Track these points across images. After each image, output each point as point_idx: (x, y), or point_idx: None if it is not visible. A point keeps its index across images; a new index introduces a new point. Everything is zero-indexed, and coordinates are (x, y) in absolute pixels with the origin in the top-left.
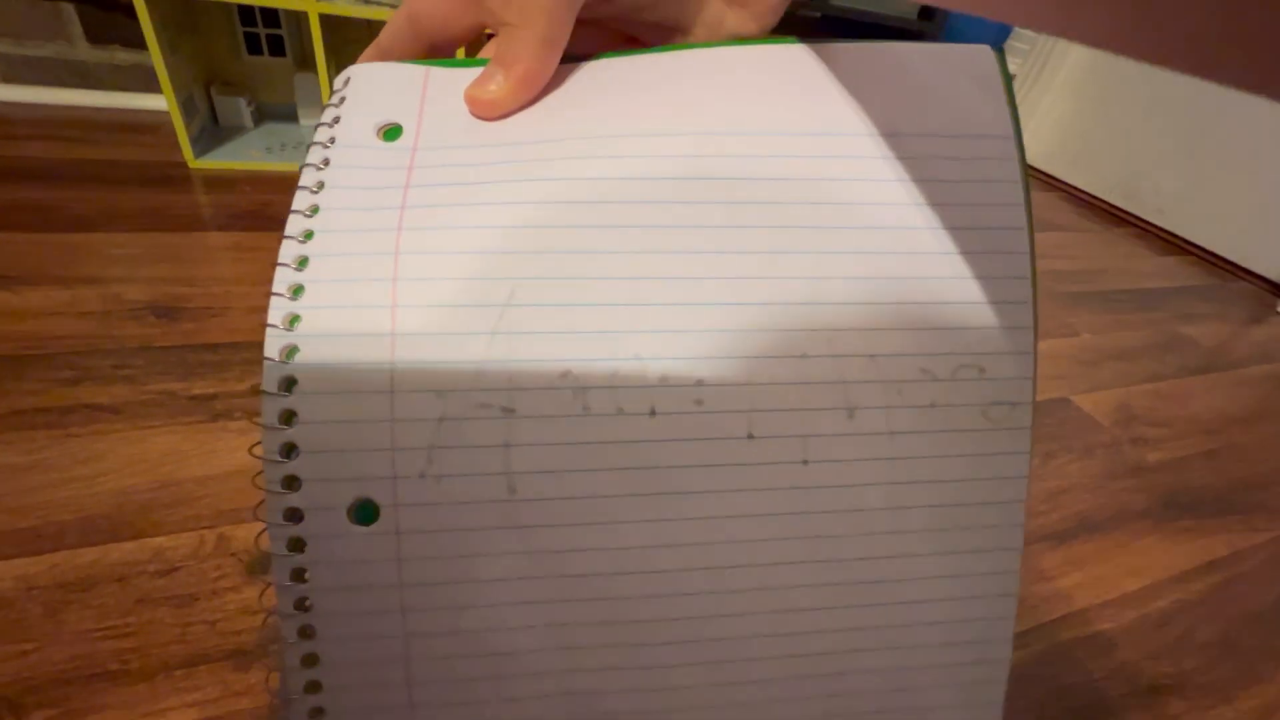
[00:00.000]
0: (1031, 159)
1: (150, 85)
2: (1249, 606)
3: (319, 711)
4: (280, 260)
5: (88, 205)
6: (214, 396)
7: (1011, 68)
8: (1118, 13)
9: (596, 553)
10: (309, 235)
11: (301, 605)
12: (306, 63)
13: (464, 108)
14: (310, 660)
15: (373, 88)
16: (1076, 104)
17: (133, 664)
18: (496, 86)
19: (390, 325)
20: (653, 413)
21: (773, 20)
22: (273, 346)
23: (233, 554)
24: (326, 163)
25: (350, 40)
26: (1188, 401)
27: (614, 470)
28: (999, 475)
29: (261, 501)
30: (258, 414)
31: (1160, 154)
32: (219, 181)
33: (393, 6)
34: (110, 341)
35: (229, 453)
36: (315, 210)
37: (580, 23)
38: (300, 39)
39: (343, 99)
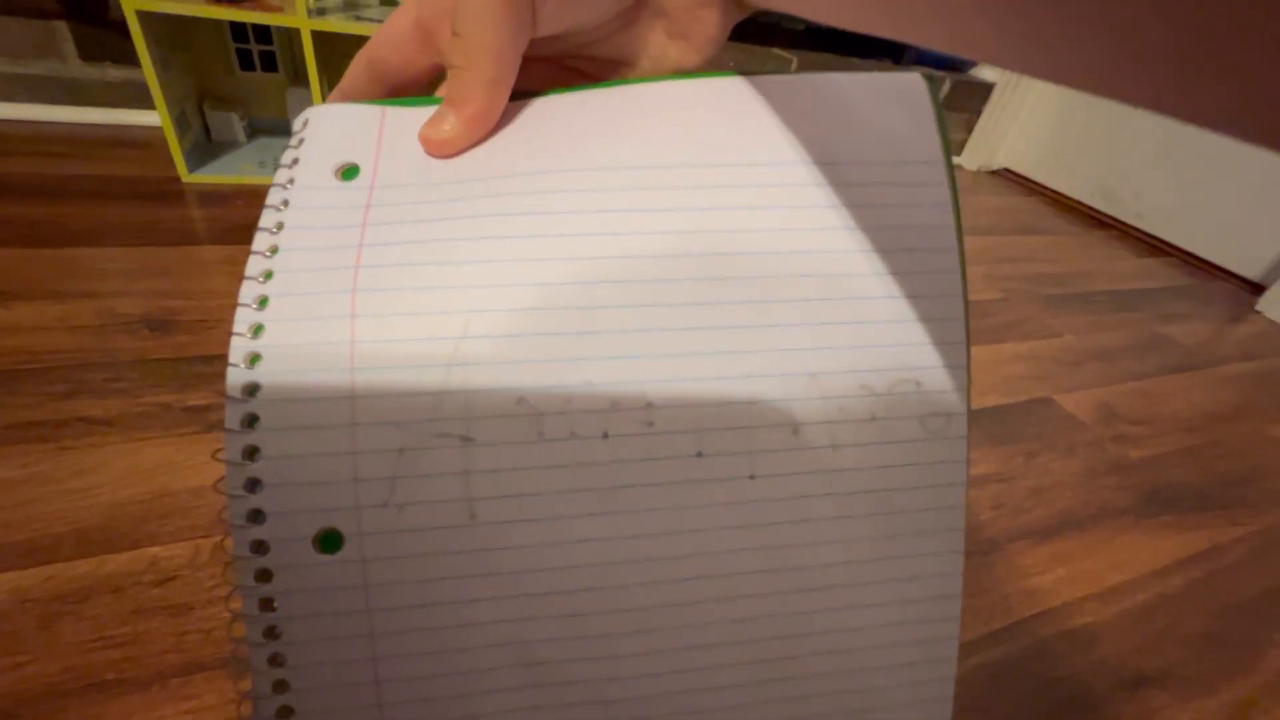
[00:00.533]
0: (1014, 164)
1: (142, 101)
2: (1230, 599)
3: None
4: (240, 300)
5: (80, 220)
6: (208, 408)
7: (992, 76)
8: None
9: (557, 572)
10: (269, 275)
11: (271, 633)
12: (299, 77)
13: (419, 146)
14: (281, 686)
15: (331, 128)
16: (1057, 110)
17: (128, 674)
18: (449, 127)
19: (349, 361)
20: (605, 435)
21: (714, 50)
22: (234, 385)
23: (228, 563)
24: (286, 204)
25: (343, 54)
26: (1168, 400)
27: (570, 492)
28: (938, 482)
29: (227, 534)
30: None
31: (1139, 158)
32: (212, 196)
33: (383, 21)
34: (104, 355)
35: (223, 463)
36: (275, 251)
37: (529, 60)
38: (292, 54)
39: (301, 140)
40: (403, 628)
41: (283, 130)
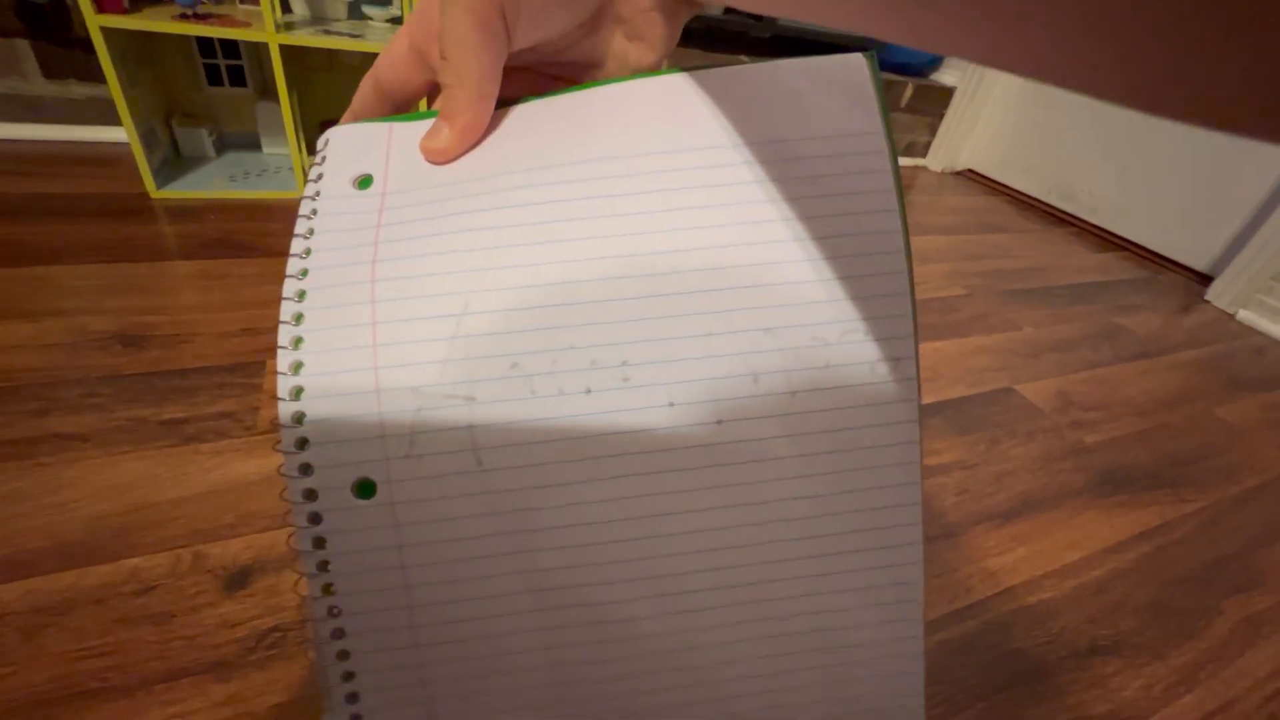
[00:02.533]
0: (975, 165)
1: (108, 118)
2: (1179, 571)
3: (344, 654)
4: (284, 295)
5: (49, 239)
6: (185, 421)
7: (951, 81)
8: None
9: (552, 509)
10: (305, 273)
11: (323, 567)
12: (268, 91)
13: (421, 155)
14: (334, 612)
15: (347, 145)
16: (1014, 113)
17: (113, 681)
18: (445, 137)
19: (372, 338)
20: (588, 391)
21: (668, 48)
22: (283, 364)
23: (209, 571)
24: (314, 212)
25: (311, 68)
26: (1122, 386)
27: (559, 440)
28: (891, 420)
29: (285, 488)
30: (227, 435)
31: (1093, 157)
32: (183, 211)
33: (351, 35)
34: (77, 371)
35: (202, 474)
36: (308, 252)
37: (509, 70)
38: (261, 69)
39: (324, 158)
40: (427, 559)
41: (252, 144)
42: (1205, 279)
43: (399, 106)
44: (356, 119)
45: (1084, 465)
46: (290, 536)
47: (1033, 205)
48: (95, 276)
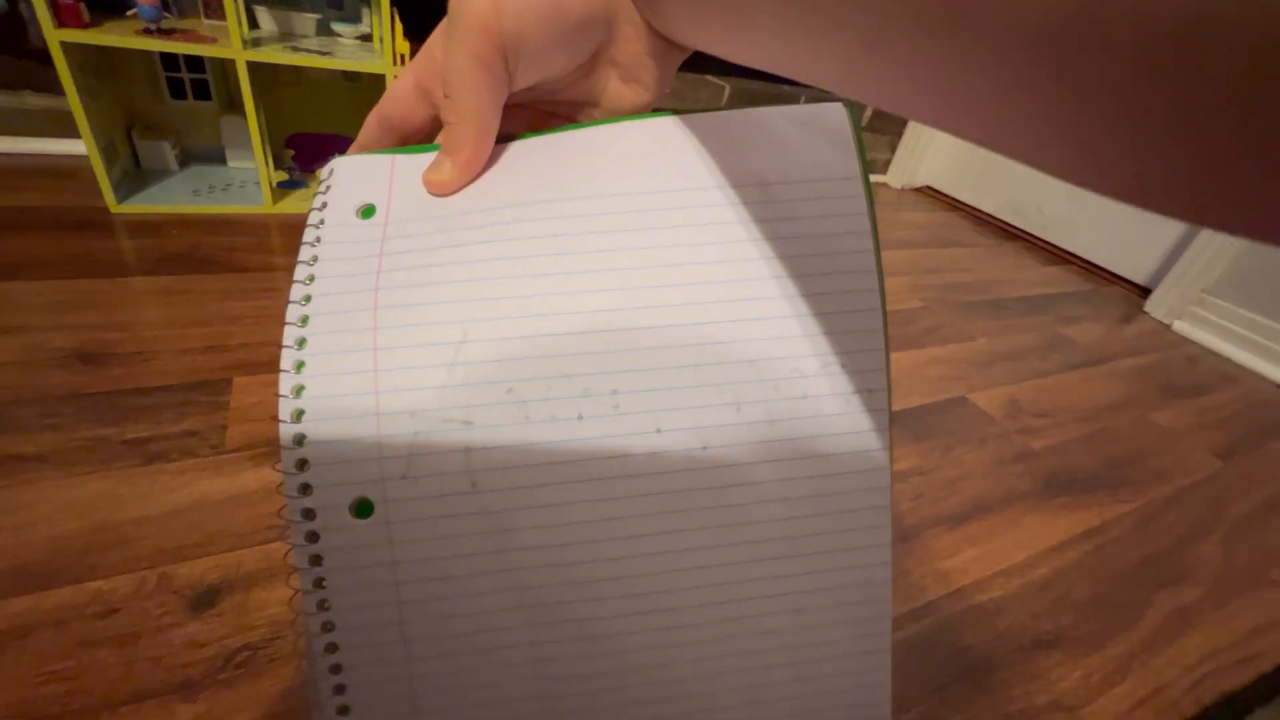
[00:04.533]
0: (933, 182)
1: (66, 130)
2: (1117, 567)
3: (337, 668)
4: (287, 320)
5: (2, 253)
6: (148, 440)
7: None
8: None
9: (543, 529)
10: (308, 299)
11: (319, 584)
12: (233, 105)
13: (423, 187)
14: (328, 627)
15: (352, 175)
16: None
17: (75, 704)
18: (447, 171)
19: (372, 364)
20: (580, 417)
21: (661, 90)
22: (285, 386)
23: (175, 591)
24: (319, 240)
25: (281, 84)
26: (1067, 393)
27: (552, 464)
28: (866, 447)
29: (284, 506)
30: (193, 454)
31: (1043, 176)
32: (144, 226)
33: (320, 53)
34: (34, 390)
35: (165, 493)
36: (311, 279)
37: (509, 107)
38: (225, 82)
39: (329, 186)
40: (420, 577)
41: (217, 159)
42: (1145, 291)
43: (402, 140)
44: (362, 151)
45: (1031, 469)
46: (287, 553)
47: (987, 221)
48: (52, 292)
